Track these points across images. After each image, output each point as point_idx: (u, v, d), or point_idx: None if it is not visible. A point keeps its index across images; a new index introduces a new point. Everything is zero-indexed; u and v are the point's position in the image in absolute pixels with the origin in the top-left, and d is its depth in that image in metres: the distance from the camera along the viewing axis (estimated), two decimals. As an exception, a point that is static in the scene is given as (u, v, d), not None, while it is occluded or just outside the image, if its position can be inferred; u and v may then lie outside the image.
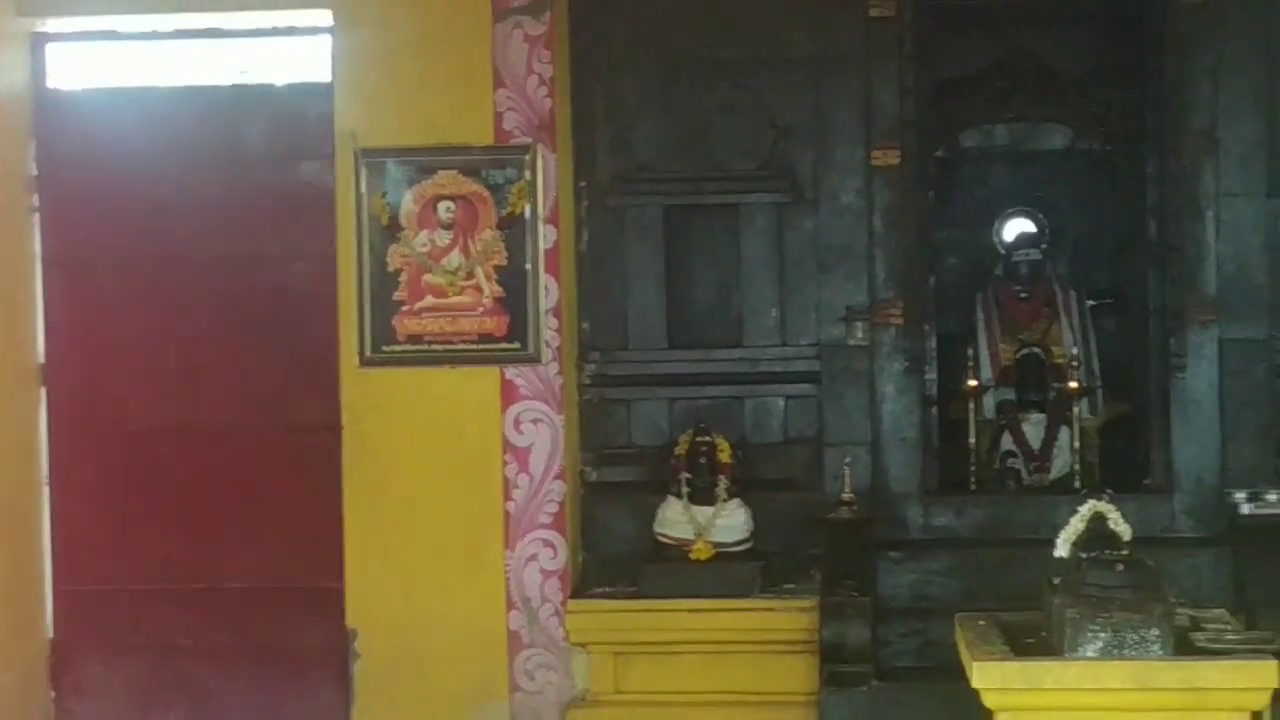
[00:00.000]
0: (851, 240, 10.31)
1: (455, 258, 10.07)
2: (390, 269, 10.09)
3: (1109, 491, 8.07)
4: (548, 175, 10.08)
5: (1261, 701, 6.97)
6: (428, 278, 10.08)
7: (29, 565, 10.33)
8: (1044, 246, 11.69)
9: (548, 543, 10.09)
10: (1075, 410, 10.88)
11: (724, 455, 10.06)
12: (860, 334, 10.29)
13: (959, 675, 7.24)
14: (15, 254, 10.28)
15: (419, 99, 10.08)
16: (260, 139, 10.43)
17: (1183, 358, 10.16)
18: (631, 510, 10.34)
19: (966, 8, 10.87)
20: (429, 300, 10.10)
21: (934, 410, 10.77)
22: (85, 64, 10.54)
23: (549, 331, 10.10)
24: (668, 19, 10.42)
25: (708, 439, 10.09)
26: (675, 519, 10.05)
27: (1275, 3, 10.20)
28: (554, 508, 10.12)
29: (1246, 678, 6.90)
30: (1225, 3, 10.10)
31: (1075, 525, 7.33)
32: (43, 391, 10.40)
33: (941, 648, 8.50)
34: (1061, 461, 10.94)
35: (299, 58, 10.44)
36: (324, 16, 10.16)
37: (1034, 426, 11.09)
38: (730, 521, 10.04)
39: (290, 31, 10.39)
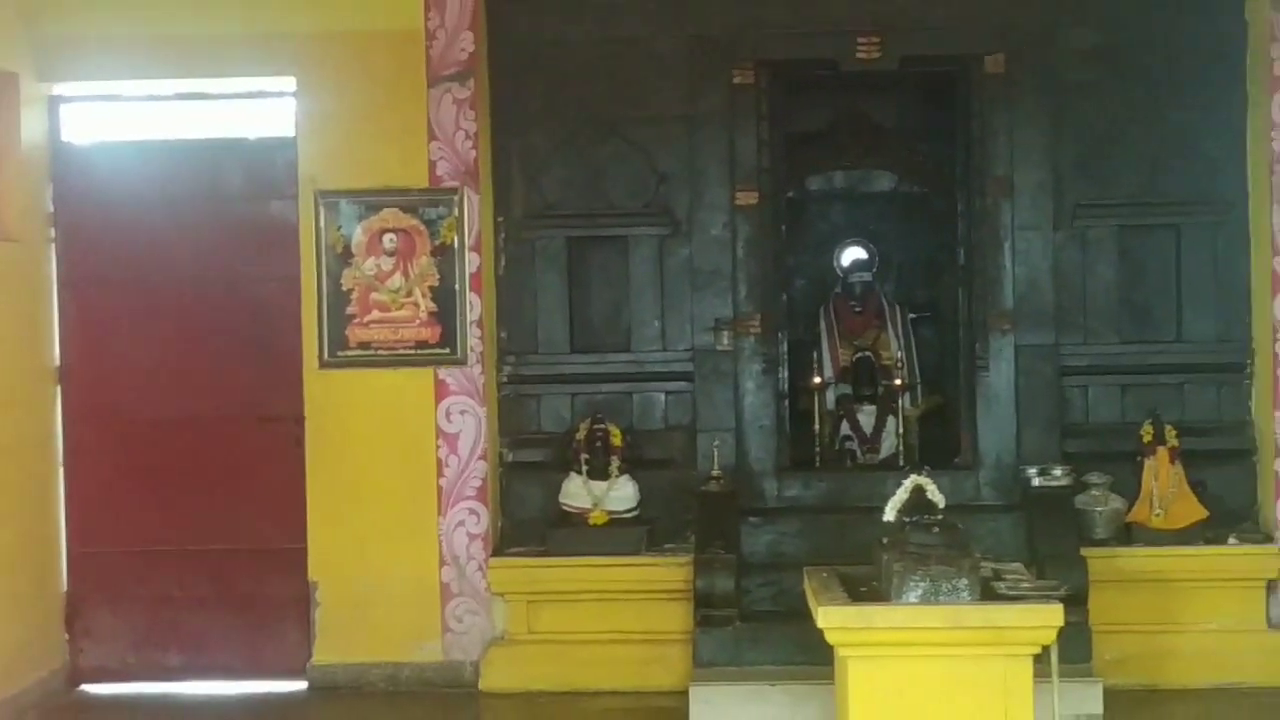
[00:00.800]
0: (719, 265, 10.41)
1: (397, 279, 10.15)
2: (344, 288, 10.16)
3: (927, 468, 8.08)
4: (472, 212, 10.17)
5: (1050, 637, 6.97)
6: (374, 295, 10.15)
7: (47, 531, 10.31)
8: (874, 270, 11.84)
9: (473, 511, 10.17)
10: (899, 402, 11.22)
11: (616, 439, 10.20)
12: (726, 341, 10.40)
13: (807, 617, 7.24)
14: (36, 276, 10.26)
15: (367, 150, 10.17)
16: (237, 182, 10.43)
17: (986, 360, 10.36)
18: (541, 485, 10.44)
19: (810, 76, 10.80)
20: (375, 314, 10.17)
21: (786, 402, 10.82)
22: (93, 121, 10.55)
23: (473, 339, 10.20)
24: (569, 85, 10.48)
25: (602, 426, 10.24)
26: (576, 491, 10.19)
27: (1055, 75, 10.31)
28: (478, 483, 10.19)
29: (1038, 618, 6.95)
30: (1018, 74, 10.26)
31: (900, 495, 7.34)
32: (58, 389, 10.40)
33: (792, 595, 8.47)
34: (888, 444, 11.22)
35: (268, 116, 10.44)
36: (289, 83, 10.22)
37: (866, 415, 11.32)
38: (621, 493, 10.20)
39: (261, 95, 10.40)
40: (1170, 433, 10.19)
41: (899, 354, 11.40)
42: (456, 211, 10.18)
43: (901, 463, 10.68)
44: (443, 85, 10.17)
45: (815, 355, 11.34)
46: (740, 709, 9.33)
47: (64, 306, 10.46)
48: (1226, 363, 10.48)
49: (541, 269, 10.61)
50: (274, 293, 10.37)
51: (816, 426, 11.13)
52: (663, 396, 10.65)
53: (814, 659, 7.85)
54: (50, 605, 10.37)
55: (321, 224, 10.20)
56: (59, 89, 10.40)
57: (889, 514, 7.34)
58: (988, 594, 7.08)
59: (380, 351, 10.23)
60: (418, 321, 10.21)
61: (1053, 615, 6.95)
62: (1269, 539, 10.10)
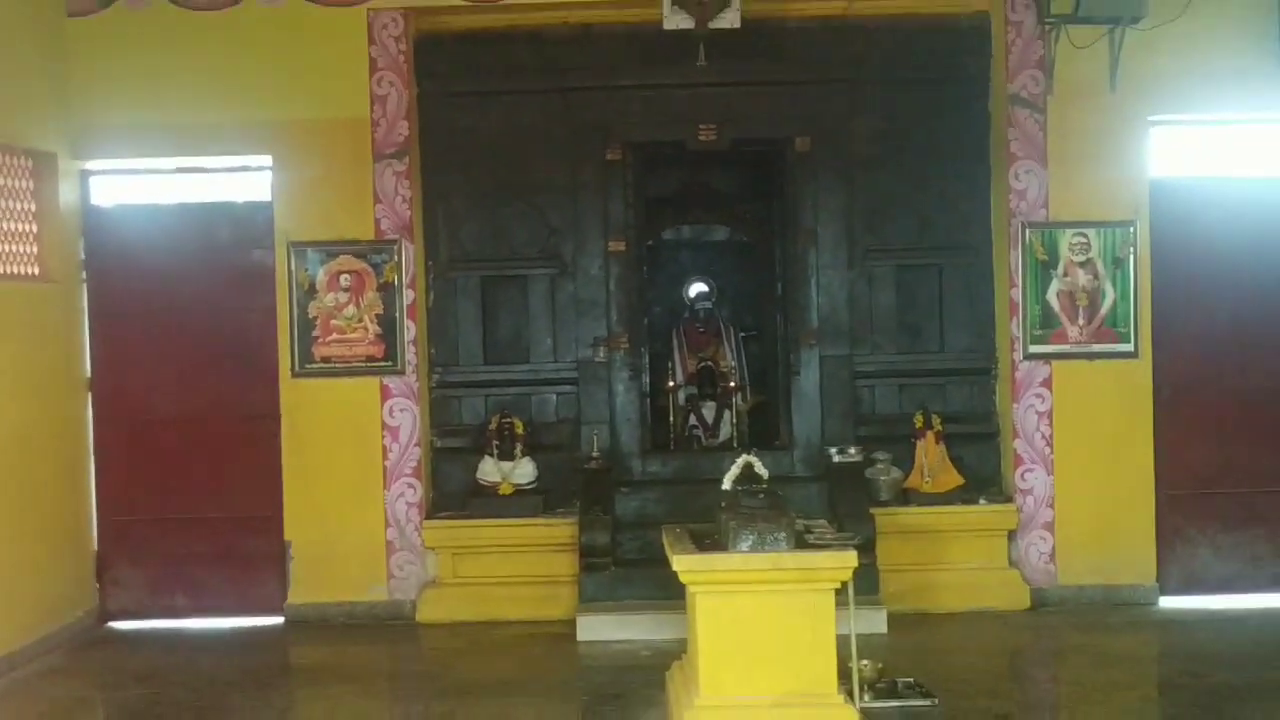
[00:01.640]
0: (596, 297, 10.70)
1: (351, 309, 10.39)
2: (310, 316, 10.37)
3: (754, 449, 8.59)
4: (408, 258, 10.38)
5: (847, 575, 7.20)
6: (334, 322, 10.37)
7: (81, 504, 10.42)
8: (713, 300, 12.14)
9: (410, 485, 10.40)
10: (733, 400, 11.42)
11: (519, 430, 10.47)
12: (602, 355, 10.72)
13: (665, 563, 7.41)
14: (71, 309, 10.39)
15: (327, 210, 10.37)
16: (226, 236, 10.54)
17: (797, 367, 10.67)
18: (462, 465, 10.63)
19: (664, 154, 10.93)
20: (334, 336, 10.38)
21: (647, 401, 11.03)
22: (115, 189, 10.69)
23: (410, 355, 10.41)
24: (482, 161, 10.67)
25: (509, 419, 10.49)
26: (489, 469, 10.45)
27: (848, 152, 10.61)
28: (414, 464, 10.41)
29: (838, 561, 7.21)
30: (820, 152, 10.53)
31: (734, 470, 7.63)
32: (89, 395, 10.52)
33: (654, 547, 8.54)
34: (725, 431, 11.40)
35: (251, 185, 10.57)
36: (267, 159, 10.37)
37: (708, 410, 11.54)
38: (523, 471, 10.46)
39: (245, 169, 10.54)
40: (936, 420, 10.54)
41: (733, 363, 11.60)
42: (396, 257, 10.36)
43: (735, 445, 10.79)
44: (385, 161, 10.36)
45: (669, 365, 11.58)
46: (614, 632, 9.57)
47: (93, 332, 10.53)
48: (977, 368, 10.74)
49: (461, 301, 10.75)
50: (256, 320, 10.45)
51: (671, 419, 11.41)
52: (554, 397, 10.84)
53: (671, 594, 8.13)
54: (84, 561, 10.45)
55: (292, 267, 10.35)
56: (88, 165, 10.49)
57: (726, 484, 7.61)
58: (800, 544, 7.32)
59: (338, 364, 10.39)
60: (367, 341, 10.40)
61: (849, 559, 7.21)
62: (1009, 500, 10.42)
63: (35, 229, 10.04)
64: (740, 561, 7.24)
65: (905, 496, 10.47)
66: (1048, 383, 10.45)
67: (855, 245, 10.74)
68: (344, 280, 10.42)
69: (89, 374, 10.60)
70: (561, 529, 10.24)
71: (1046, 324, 10.42)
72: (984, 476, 10.70)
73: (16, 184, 9.89)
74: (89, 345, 10.58)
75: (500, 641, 9.80)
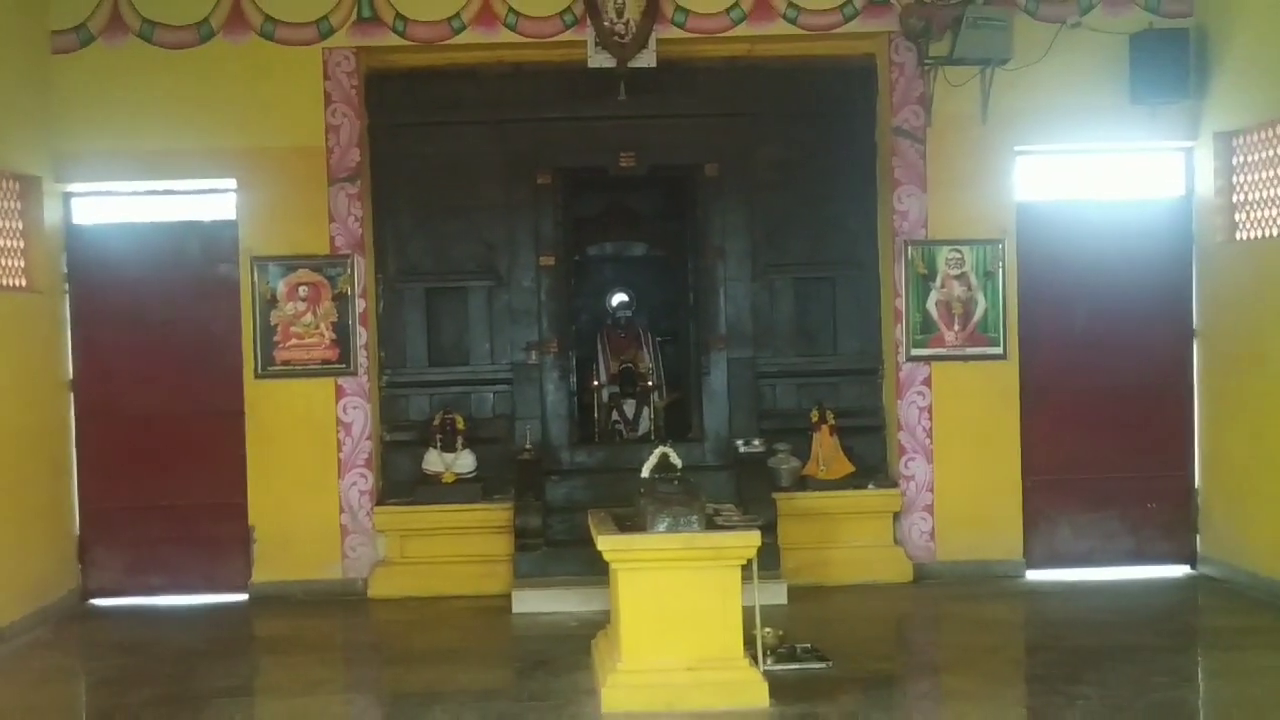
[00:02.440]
0: (529, 306, 10.69)
1: (308, 318, 10.37)
2: (271, 324, 10.34)
3: (669, 441, 8.86)
4: (360, 271, 10.37)
5: (752, 553, 7.30)
6: (293, 329, 10.35)
7: (64, 493, 10.36)
8: (633, 309, 12.11)
9: (363, 474, 10.38)
10: (651, 397, 11.48)
11: (460, 424, 10.45)
12: (534, 358, 10.72)
13: (591, 544, 7.51)
14: (55, 317, 10.33)
15: (287, 228, 10.33)
16: (196, 251, 10.48)
17: (708, 368, 10.74)
18: (409, 456, 10.58)
19: (589, 178, 10.95)
20: (294, 341, 10.36)
21: (575, 398, 11.06)
22: (94, 209, 10.62)
23: (362, 358, 10.39)
24: (426, 184, 10.64)
25: (451, 415, 10.47)
26: (433, 460, 10.42)
27: (752, 177, 10.66)
28: (365, 455, 10.39)
29: (744, 541, 7.31)
30: (727, 176, 10.64)
31: (652, 460, 7.69)
32: (71, 394, 10.44)
33: (581, 529, 8.47)
34: (644, 425, 11.45)
35: (218, 206, 10.50)
36: (232, 182, 10.32)
37: (629, 406, 11.53)
38: (464, 461, 10.44)
39: (212, 191, 10.47)
40: (830, 415, 10.58)
41: (650, 365, 11.58)
42: (349, 271, 10.35)
43: (653, 438, 10.87)
44: (339, 184, 10.35)
45: (594, 366, 11.58)
46: (546, 605, 9.57)
47: (75, 338, 10.47)
48: (865, 368, 10.81)
49: (408, 310, 10.73)
50: (222, 327, 10.40)
51: (596, 414, 11.44)
52: (491, 395, 10.82)
53: (596, 571, 8.13)
54: (67, 544, 10.39)
55: (255, 280, 10.32)
56: (70, 187, 10.44)
57: (644, 472, 7.68)
58: (710, 525, 7.39)
59: (297, 367, 10.36)
60: (323, 346, 10.39)
61: (753, 539, 7.32)
62: (894, 485, 10.47)
63: (22, 245, 9.99)
64: (657, 541, 7.30)
65: (803, 483, 10.49)
66: (928, 381, 10.54)
67: (758, 260, 10.78)
68: (302, 291, 10.40)
69: (71, 376, 10.54)
70: (498, 513, 10.22)
71: (926, 330, 10.50)
72: (872, 465, 10.75)
73: (5, 204, 9.85)
74: (71, 350, 10.53)
75: (443, 614, 9.77)
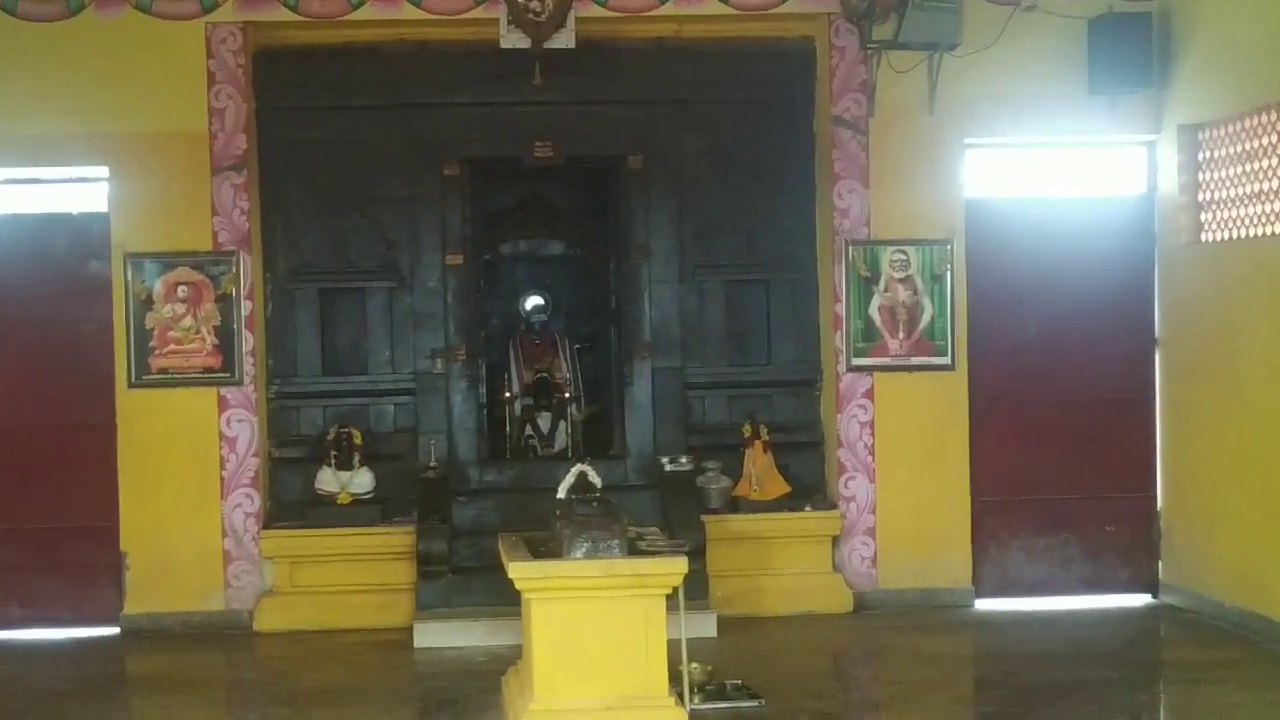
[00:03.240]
0: (434, 309, 10.53)
1: (188, 321, 10.13)
2: (147, 327, 10.09)
3: (588, 458, 8.67)
4: (246, 270, 10.16)
5: (678, 581, 7.26)
6: (171, 333, 10.10)
7: None
8: (549, 313, 11.99)
9: (248, 495, 10.15)
10: (569, 410, 11.33)
11: (357, 440, 10.26)
12: (440, 366, 10.53)
13: (501, 571, 7.40)
14: None
15: (164, 222, 10.10)
16: (65, 246, 10.27)
17: (631, 378, 10.62)
18: (300, 474, 10.40)
19: (501, 169, 10.92)
20: (172, 347, 10.11)
21: (484, 411, 10.89)
22: None
23: (248, 366, 10.18)
24: (320, 174, 10.47)
25: (347, 429, 10.27)
26: (327, 479, 10.22)
27: (679, 170, 10.56)
28: (251, 474, 10.17)
29: (669, 567, 7.25)
30: (652, 169, 10.53)
31: (569, 479, 7.65)
32: None
33: (491, 554, 8.41)
34: (561, 441, 11.30)
35: (88, 196, 10.28)
36: (104, 170, 10.11)
37: (544, 420, 11.40)
38: (361, 480, 10.23)
39: (83, 180, 10.24)
40: (763, 430, 10.45)
41: (568, 374, 11.50)
42: (234, 269, 10.16)
43: (570, 455, 10.74)
44: (223, 174, 10.14)
45: (506, 376, 11.46)
46: (451, 639, 9.44)
47: None
48: (802, 379, 10.73)
49: (299, 313, 10.57)
50: (93, 331, 10.20)
51: (508, 429, 11.31)
52: (392, 407, 10.66)
53: (507, 601, 8.05)
54: None
55: (129, 278, 10.11)
56: None
57: (561, 492, 7.64)
58: (633, 550, 7.34)
59: (175, 375, 10.14)
60: (204, 352, 10.17)
61: (680, 565, 7.26)
62: (833, 506, 10.38)
63: None
64: (574, 568, 7.23)
65: (734, 504, 10.41)
66: (870, 394, 10.46)
67: (686, 260, 10.73)
68: (181, 291, 10.20)
69: (-75, 386, 10.28)
70: (399, 537, 10.08)
71: (868, 337, 10.43)
72: (809, 484, 10.67)
73: None
74: (-74, 355, 10.22)
75: (338, 649, 9.63)
